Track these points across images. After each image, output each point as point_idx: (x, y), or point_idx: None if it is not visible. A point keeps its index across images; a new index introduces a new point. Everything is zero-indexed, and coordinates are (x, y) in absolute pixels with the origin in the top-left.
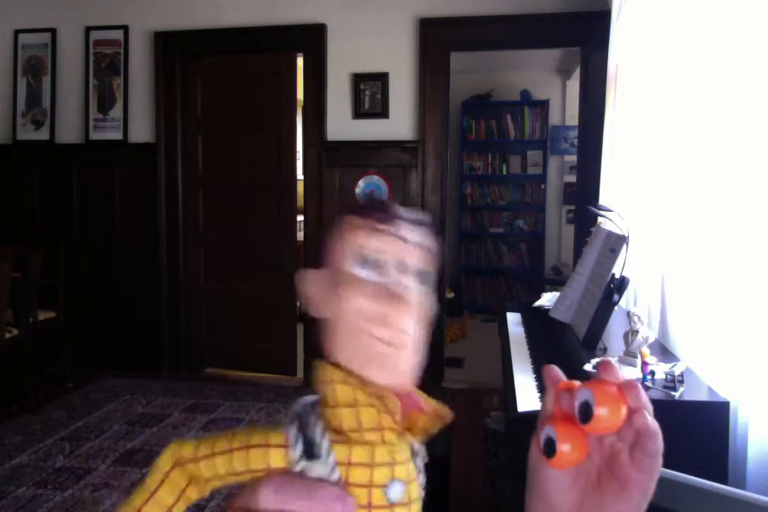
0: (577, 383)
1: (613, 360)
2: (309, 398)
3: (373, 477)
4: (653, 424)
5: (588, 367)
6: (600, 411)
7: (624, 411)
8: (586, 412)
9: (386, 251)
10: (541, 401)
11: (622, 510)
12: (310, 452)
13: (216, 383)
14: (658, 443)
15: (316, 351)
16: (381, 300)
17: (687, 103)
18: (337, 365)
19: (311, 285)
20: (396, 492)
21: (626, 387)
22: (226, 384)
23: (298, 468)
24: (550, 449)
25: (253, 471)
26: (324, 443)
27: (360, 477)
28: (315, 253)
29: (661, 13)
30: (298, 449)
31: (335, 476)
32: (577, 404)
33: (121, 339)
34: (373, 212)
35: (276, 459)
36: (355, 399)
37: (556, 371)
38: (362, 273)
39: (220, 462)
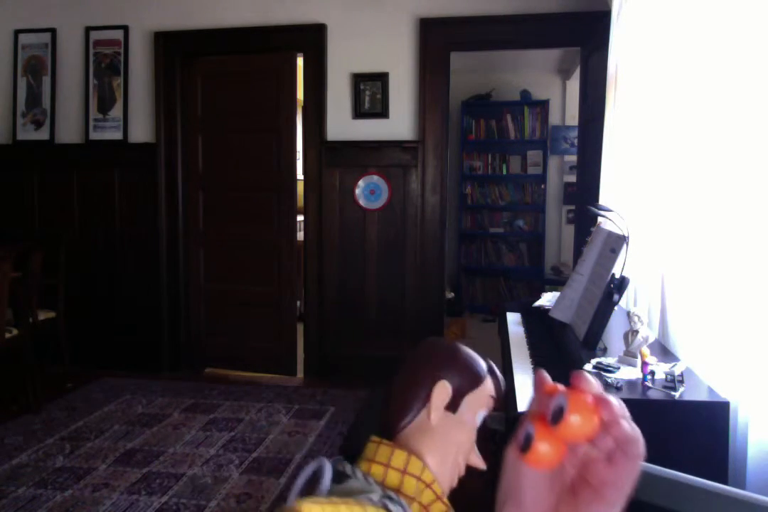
0: (560, 387)
1: (585, 372)
2: (369, 481)
3: None
4: (632, 431)
5: (588, 367)
6: (571, 418)
7: (596, 420)
8: (558, 415)
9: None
10: None
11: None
12: None
13: (216, 383)
14: (641, 447)
15: (318, 351)
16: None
17: (687, 103)
18: (424, 465)
19: (442, 394)
20: None
21: (599, 400)
22: (226, 384)
23: None
24: (526, 445)
25: None
26: None
27: None
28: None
29: (661, 14)
30: None
31: None
32: (551, 407)
33: (121, 339)
34: (501, 391)
35: None
36: (429, 500)
37: (544, 375)
38: (476, 425)
39: None
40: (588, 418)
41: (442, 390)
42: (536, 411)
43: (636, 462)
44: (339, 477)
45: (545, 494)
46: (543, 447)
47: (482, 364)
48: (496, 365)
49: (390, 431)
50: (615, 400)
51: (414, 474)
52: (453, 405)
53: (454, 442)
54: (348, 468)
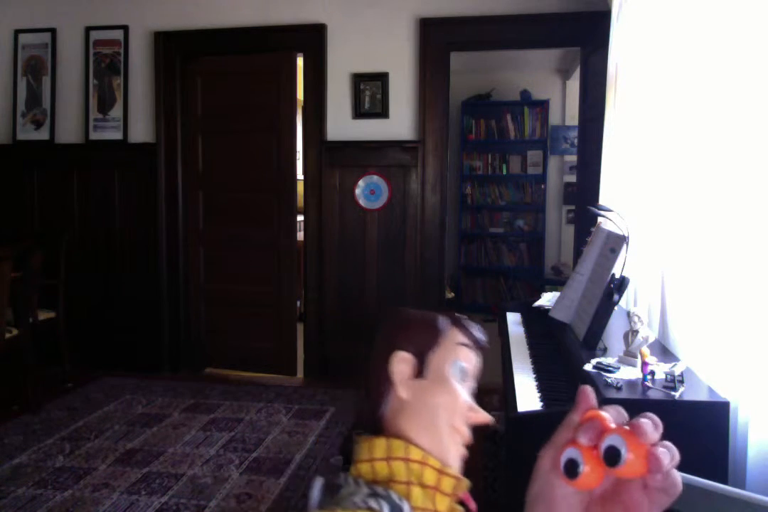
0: (607, 418)
1: (648, 420)
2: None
3: None
4: (669, 480)
5: (588, 367)
6: (629, 463)
7: (646, 466)
8: (613, 456)
9: (472, 366)
10: (541, 401)
11: None
12: None
13: (216, 383)
14: (676, 489)
15: (316, 353)
16: (467, 404)
17: (687, 103)
18: (407, 444)
19: (400, 365)
20: None
21: (650, 454)
22: (226, 384)
23: None
24: (572, 470)
25: None
26: None
27: None
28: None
29: (661, 14)
30: None
31: None
32: (605, 445)
33: (121, 339)
34: (473, 335)
35: None
36: (433, 479)
37: (589, 393)
38: (455, 377)
39: None
40: (643, 464)
41: (399, 361)
42: (580, 438)
43: (671, 499)
44: (335, 489)
45: (576, 507)
46: (589, 473)
47: (437, 318)
48: (496, 365)
49: (375, 425)
50: (668, 451)
51: (399, 457)
52: (419, 371)
53: (437, 406)
54: (341, 477)
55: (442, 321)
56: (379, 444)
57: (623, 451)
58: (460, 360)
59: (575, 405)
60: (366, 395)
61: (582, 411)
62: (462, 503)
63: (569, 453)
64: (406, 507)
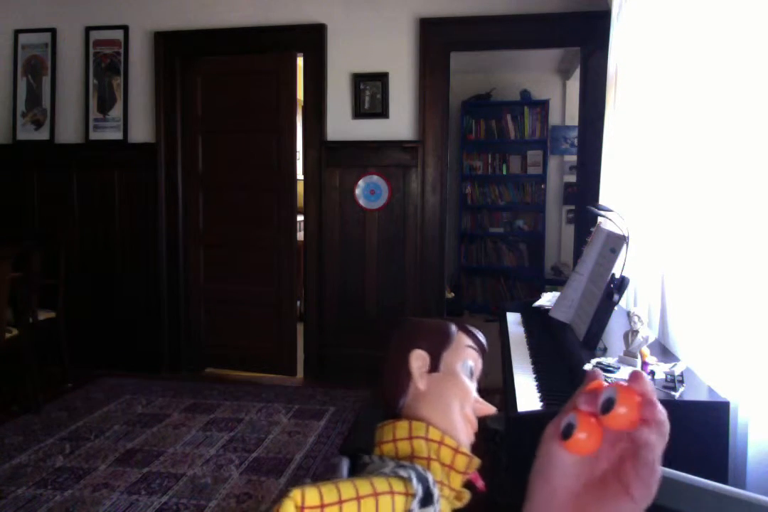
0: (606, 385)
1: (645, 374)
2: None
3: None
4: (650, 437)
5: (588, 367)
6: (620, 410)
7: (638, 416)
8: (607, 406)
9: (478, 367)
10: (541, 401)
11: (622, 509)
12: (427, 500)
13: (216, 383)
14: (654, 454)
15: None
16: (475, 396)
17: (687, 103)
18: (427, 425)
19: (418, 361)
20: None
21: (646, 400)
22: (226, 384)
23: None
24: (567, 432)
25: None
26: (436, 492)
27: None
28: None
29: (661, 14)
30: (418, 497)
31: None
32: (602, 397)
33: (121, 339)
34: (479, 339)
35: (399, 505)
36: (449, 457)
37: (599, 374)
38: (465, 374)
39: (348, 508)
40: (633, 412)
41: (417, 358)
42: (580, 403)
43: (650, 469)
44: (362, 467)
45: (573, 478)
46: (582, 436)
47: (448, 325)
48: (496, 365)
49: (394, 414)
50: (660, 407)
51: (420, 436)
52: (434, 366)
53: (450, 395)
54: (366, 457)
55: (452, 326)
56: (402, 426)
57: (614, 397)
58: (468, 360)
59: (584, 383)
60: (385, 389)
61: (586, 388)
62: (470, 483)
63: (568, 418)
64: (430, 477)
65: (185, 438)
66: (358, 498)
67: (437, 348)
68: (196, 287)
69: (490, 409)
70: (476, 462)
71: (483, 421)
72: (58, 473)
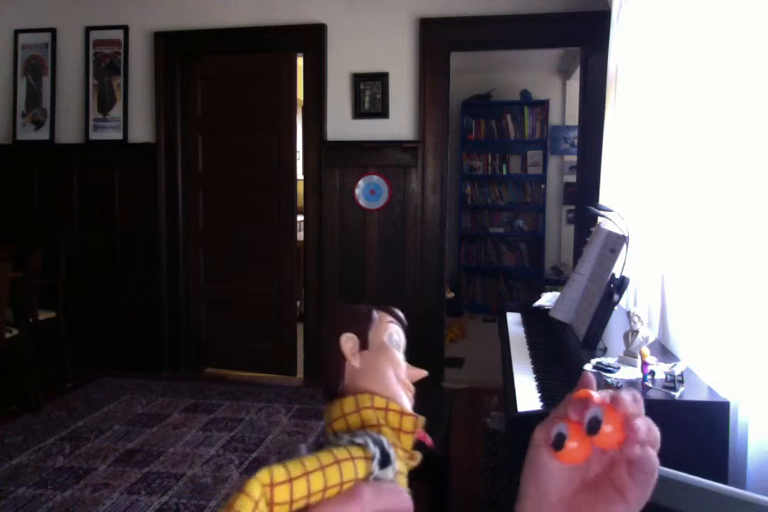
0: (595, 395)
1: (625, 394)
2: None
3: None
4: (644, 453)
5: (588, 367)
6: (606, 430)
7: (624, 436)
8: (593, 426)
9: (402, 338)
10: (541, 401)
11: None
12: (386, 461)
13: (216, 383)
14: (652, 465)
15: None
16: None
17: (687, 103)
18: (371, 395)
19: (348, 343)
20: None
21: (628, 422)
22: (226, 384)
23: (375, 474)
24: (558, 443)
25: (346, 482)
26: (392, 452)
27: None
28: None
29: (661, 14)
30: (377, 459)
31: (392, 476)
32: (588, 416)
33: (121, 339)
34: (397, 314)
35: (361, 469)
36: (396, 421)
37: (592, 380)
38: (392, 346)
39: (314, 478)
40: (620, 434)
41: (347, 340)
42: (570, 413)
43: (650, 476)
44: (320, 447)
45: (565, 483)
46: (574, 446)
47: (368, 307)
48: (496, 365)
49: (338, 394)
50: (644, 424)
51: (367, 406)
52: (363, 345)
53: (384, 366)
54: (321, 439)
55: (372, 308)
56: (348, 401)
57: (600, 417)
58: (393, 333)
59: (576, 388)
60: (325, 376)
61: (576, 395)
62: (420, 443)
63: (558, 427)
64: (384, 440)
65: (185, 438)
66: (322, 468)
67: (363, 328)
68: (196, 287)
69: (421, 373)
70: (422, 420)
71: (483, 421)
72: (58, 473)
